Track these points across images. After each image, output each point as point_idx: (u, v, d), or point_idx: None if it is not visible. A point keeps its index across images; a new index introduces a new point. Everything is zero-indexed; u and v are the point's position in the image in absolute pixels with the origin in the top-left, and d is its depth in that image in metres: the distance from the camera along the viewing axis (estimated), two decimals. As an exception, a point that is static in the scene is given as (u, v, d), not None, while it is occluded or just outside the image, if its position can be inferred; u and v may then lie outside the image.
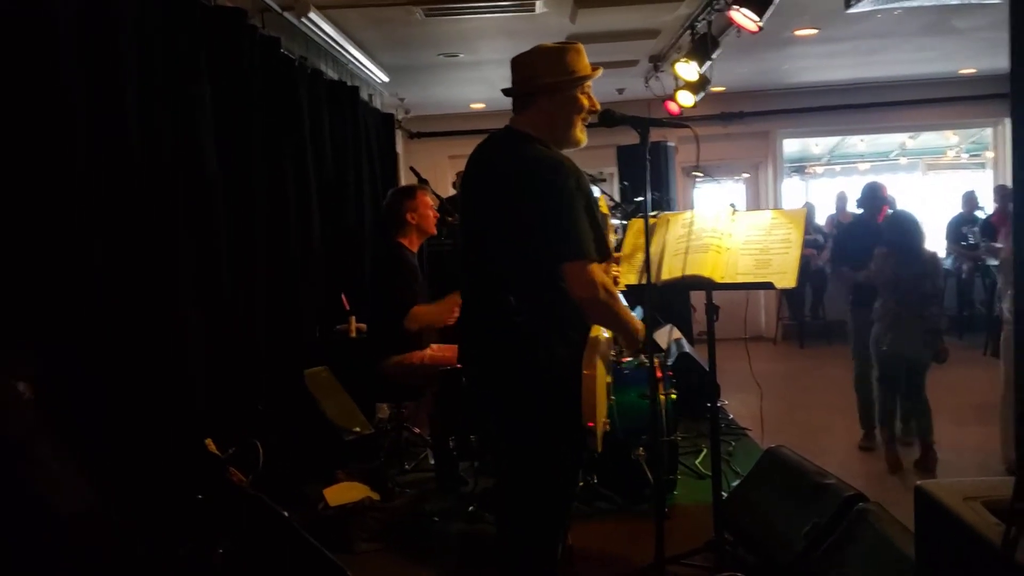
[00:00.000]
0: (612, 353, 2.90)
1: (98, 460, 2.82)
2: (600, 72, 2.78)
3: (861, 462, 5.49)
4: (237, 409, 4.01)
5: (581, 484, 4.45)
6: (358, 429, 4.55)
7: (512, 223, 2.58)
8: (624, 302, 2.84)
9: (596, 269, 2.54)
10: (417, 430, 5.71)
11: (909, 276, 5.17)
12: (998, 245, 5.73)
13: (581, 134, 2.76)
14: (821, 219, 10.67)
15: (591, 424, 2.52)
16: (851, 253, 5.83)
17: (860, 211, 6.34)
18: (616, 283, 2.92)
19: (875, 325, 5.37)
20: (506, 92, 2.81)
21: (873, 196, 6.09)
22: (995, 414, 5.54)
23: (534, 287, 2.55)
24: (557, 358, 2.55)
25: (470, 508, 4.44)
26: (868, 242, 5.54)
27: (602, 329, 2.69)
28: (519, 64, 2.75)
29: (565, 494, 2.77)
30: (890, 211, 5.80)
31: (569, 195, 2.51)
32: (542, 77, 2.68)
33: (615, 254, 3.08)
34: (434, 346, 4.99)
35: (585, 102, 2.73)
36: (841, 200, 10.38)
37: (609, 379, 2.79)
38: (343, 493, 4.15)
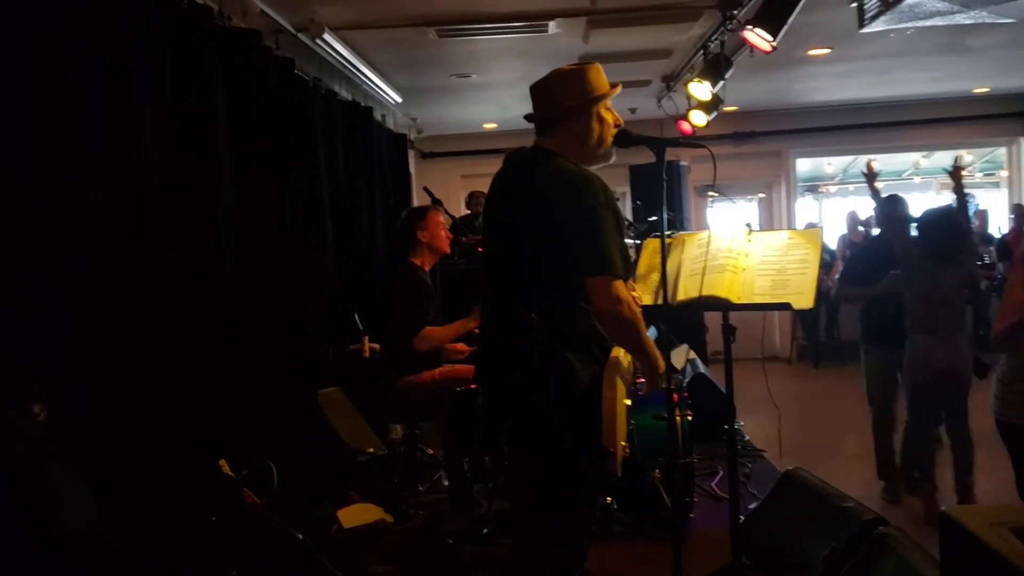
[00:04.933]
0: (632, 377, 2.85)
1: (111, 481, 2.80)
2: (620, 88, 2.81)
3: (880, 485, 5.42)
4: (250, 430, 4.00)
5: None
6: (371, 450, 4.53)
7: (538, 237, 2.58)
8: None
9: (622, 286, 2.52)
10: (431, 451, 5.68)
11: (948, 282, 4.70)
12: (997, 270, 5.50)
13: (610, 148, 2.80)
14: (831, 239, 10.61)
15: (612, 449, 2.48)
16: (865, 274, 5.38)
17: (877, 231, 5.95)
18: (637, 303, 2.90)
19: (908, 344, 4.85)
20: (529, 118, 2.82)
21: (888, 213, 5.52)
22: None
23: (557, 303, 2.54)
24: (578, 377, 2.52)
25: (484, 531, 4.40)
26: (884, 260, 5.15)
27: (622, 351, 2.67)
28: (541, 89, 2.77)
29: (584, 519, 2.72)
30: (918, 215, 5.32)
31: (598, 210, 2.51)
32: (568, 99, 2.70)
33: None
34: (447, 365, 4.98)
35: (610, 117, 2.77)
36: (852, 219, 10.34)
37: (628, 402, 2.76)
38: (356, 515, 4.12)
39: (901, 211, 5.27)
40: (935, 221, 4.88)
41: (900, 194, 5.47)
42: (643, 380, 2.79)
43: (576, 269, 2.50)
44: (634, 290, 2.96)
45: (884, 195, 5.42)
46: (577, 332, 2.55)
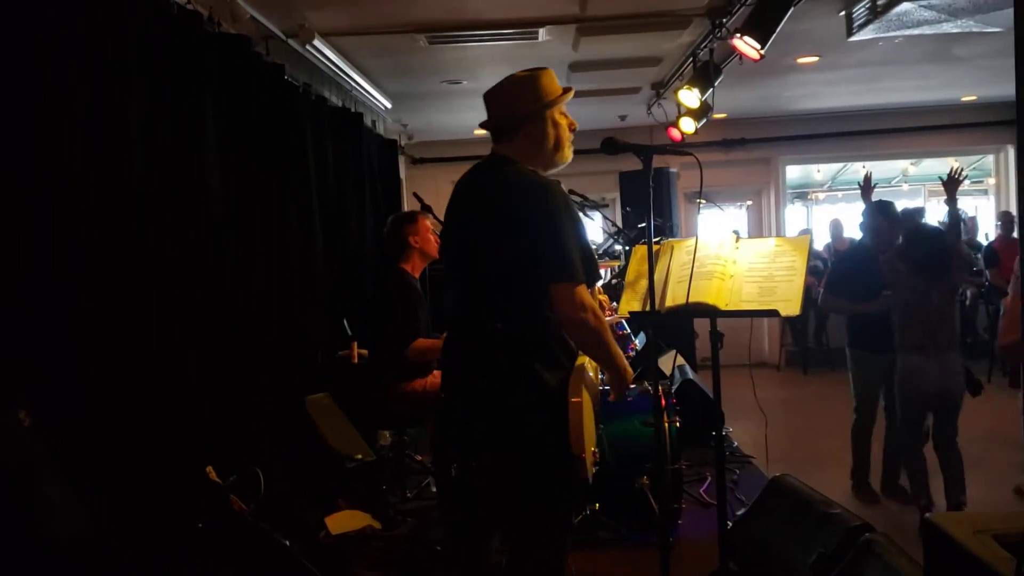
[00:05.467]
0: (599, 382, 2.87)
1: (98, 487, 2.79)
2: (573, 92, 2.82)
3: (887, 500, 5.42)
4: (238, 436, 3.99)
5: (582, 515, 4.42)
6: (359, 456, 4.52)
7: (499, 246, 2.58)
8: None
9: (586, 292, 2.53)
10: (419, 457, 5.67)
11: (937, 298, 4.68)
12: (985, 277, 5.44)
13: (569, 151, 2.81)
14: (819, 246, 10.65)
15: (580, 454, 2.49)
16: (850, 285, 5.32)
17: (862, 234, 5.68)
18: (605, 309, 2.92)
19: (899, 362, 4.83)
20: (484, 126, 2.84)
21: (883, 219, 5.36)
22: (1000, 442, 5.50)
23: (521, 312, 2.55)
24: (544, 385, 2.53)
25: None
26: (869, 269, 5.10)
27: (587, 359, 2.68)
28: (495, 97, 2.79)
29: (561, 525, 2.71)
30: (912, 228, 5.15)
31: (558, 216, 2.52)
32: (522, 106, 2.72)
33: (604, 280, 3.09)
34: (437, 372, 4.97)
35: (564, 122, 2.79)
36: (836, 227, 10.38)
37: (596, 408, 2.77)
38: (344, 521, 4.12)
39: (891, 219, 5.23)
40: (922, 237, 4.88)
41: (889, 200, 5.45)
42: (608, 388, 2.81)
43: (539, 276, 2.51)
44: (601, 294, 2.97)
45: (876, 201, 5.37)
46: (542, 340, 2.56)
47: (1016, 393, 5.53)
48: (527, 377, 2.52)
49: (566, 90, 2.79)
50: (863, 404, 5.32)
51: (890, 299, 4.96)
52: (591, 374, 2.71)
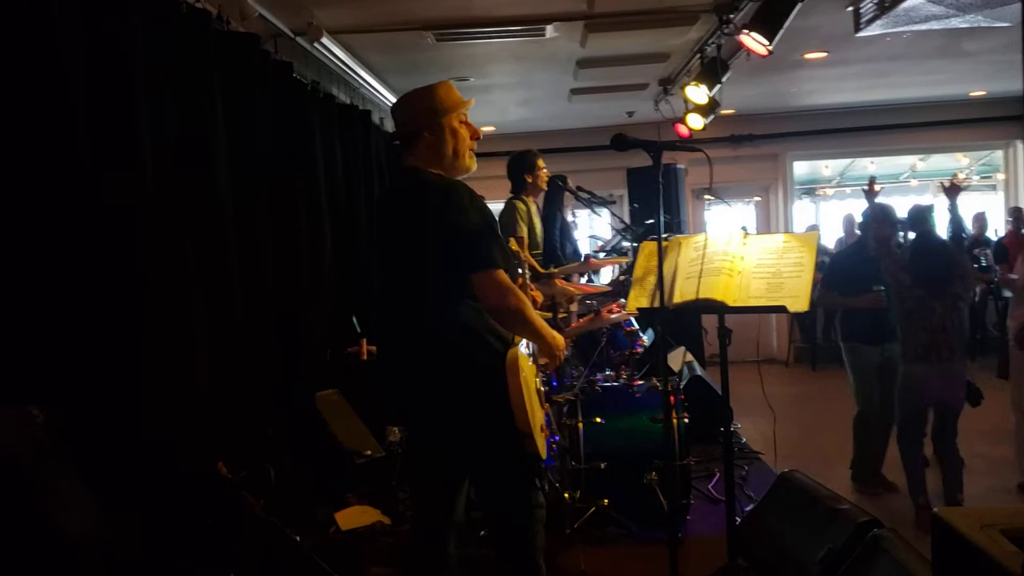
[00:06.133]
0: (534, 364, 2.97)
1: (109, 483, 2.81)
2: (472, 102, 2.92)
3: (884, 491, 5.43)
4: (248, 432, 4.01)
5: (593, 509, 4.43)
6: (369, 452, 4.53)
7: (416, 249, 2.70)
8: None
9: (504, 276, 2.64)
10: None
11: (940, 309, 4.72)
12: (1013, 276, 5.42)
13: (470, 161, 2.91)
14: (829, 242, 10.63)
15: (526, 431, 2.61)
16: (843, 280, 5.42)
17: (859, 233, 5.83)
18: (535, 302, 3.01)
19: (901, 369, 4.92)
20: (392, 137, 2.97)
21: (882, 221, 5.39)
22: (1003, 437, 5.49)
23: (448, 307, 2.65)
24: (480, 367, 2.64)
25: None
26: (863, 267, 5.26)
27: (524, 342, 2.83)
28: (397, 108, 2.95)
29: (522, 499, 2.79)
30: (914, 234, 5.19)
31: (466, 211, 2.63)
32: (419, 116, 2.83)
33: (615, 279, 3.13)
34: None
35: (465, 131, 2.88)
36: (848, 223, 10.35)
37: (540, 386, 2.90)
38: (354, 517, 4.13)
39: (891, 223, 5.27)
40: (926, 250, 4.89)
41: (890, 204, 5.48)
42: (545, 361, 2.96)
43: (457, 270, 2.61)
44: (535, 294, 3.06)
45: (876, 204, 5.37)
46: (470, 326, 2.66)
47: (1003, 384, 5.54)
48: (462, 365, 2.64)
49: (466, 101, 2.90)
50: (862, 395, 5.43)
51: (880, 295, 5.10)
52: (525, 352, 2.82)
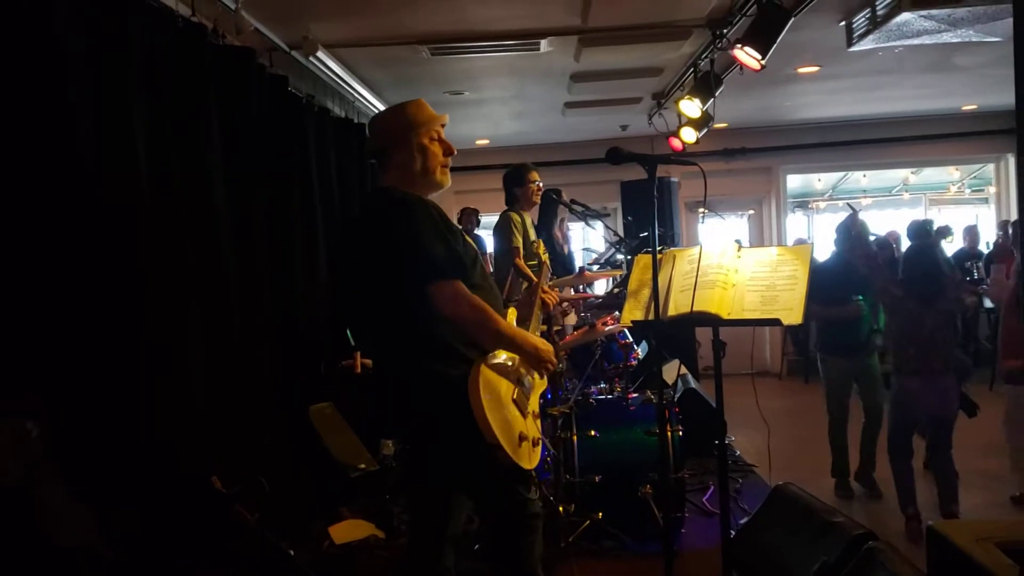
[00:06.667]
0: (519, 369, 2.88)
1: (105, 497, 2.80)
2: (445, 118, 2.92)
3: (868, 500, 5.44)
4: (243, 445, 4.00)
5: (587, 522, 4.42)
6: (363, 465, 4.53)
7: (377, 264, 2.70)
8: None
9: (459, 286, 2.61)
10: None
11: (931, 323, 4.72)
12: (985, 286, 5.47)
13: (442, 176, 2.89)
14: (822, 255, 10.64)
15: (494, 443, 2.54)
16: (823, 291, 5.31)
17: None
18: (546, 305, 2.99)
19: (892, 381, 4.97)
20: (368, 156, 2.97)
21: (848, 232, 5.65)
22: (997, 451, 5.50)
23: (410, 315, 2.64)
24: (443, 376, 2.61)
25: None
26: (842, 280, 5.40)
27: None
28: (370, 128, 2.96)
29: (511, 509, 2.77)
30: (909, 246, 5.36)
31: (415, 224, 2.62)
32: (388, 133, 2.85)
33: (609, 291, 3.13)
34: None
35: (436, 148, 2.86)
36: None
37: (517, 392, 2.79)
38: (348, 531, 4.12)
39: (863, 236, 5.49)
40: (917, 263, 4.91)
41: (861, 216, 5.67)
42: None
43: (414, 282, 2.60)
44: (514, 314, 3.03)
45: (847, 215, 5.66)
46: (434, 337, 2.64)
47: (996, 397, 5.58)
48: (427, 376, 2.63)
49: (438, 117, 2.89)
50: (833, 405, 5.62)
51: (858, 306, 5.25)
52: (504, 360, 2.76)
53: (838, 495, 5.51)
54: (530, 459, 2.72)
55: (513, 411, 2.72)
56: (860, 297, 5.36)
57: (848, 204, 5.51)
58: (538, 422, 2.94)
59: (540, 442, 2.90)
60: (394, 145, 2.82)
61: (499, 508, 2.77)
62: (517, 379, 2.80)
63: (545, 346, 2.79)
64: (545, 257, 3.48)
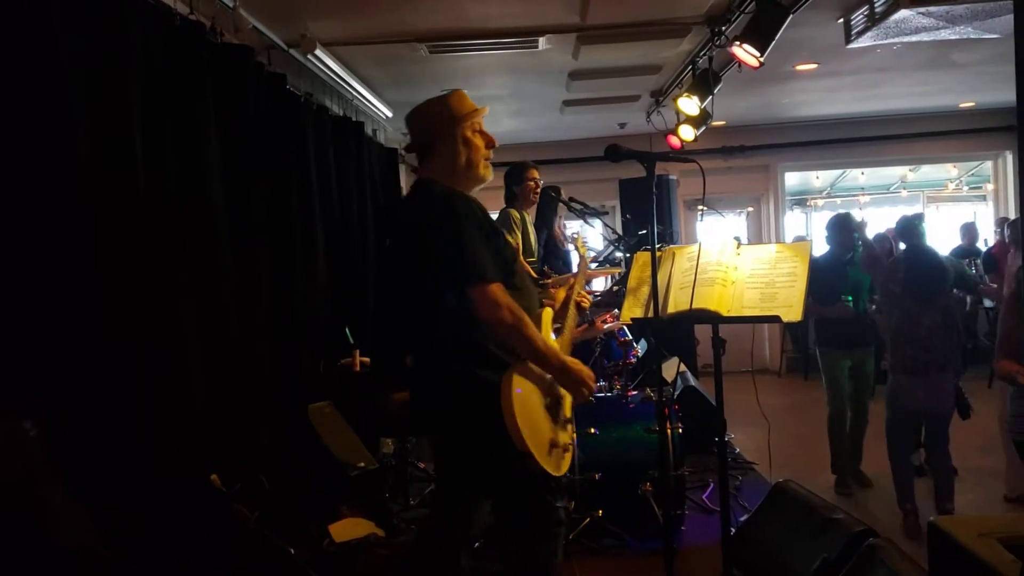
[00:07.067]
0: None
1: (103, 496, 2.80)
2: (486, 110, 2.89)
3: (868, 497, 5.45)
4: (242, 444, 3.99)
5: (587, 520, 4.42)
6: (362, 464, 4.52)
7: (418, 261, 2.68)
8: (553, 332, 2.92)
9: (500, 291, 2.57)
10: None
11: (929, 321, 4.74)
12: (993, 285, 5.51)
13: (485, 170, 2.86)
14: (820, 252, 10.65)
15: (524, 450, 2.49)
16: (815, 287, 5.31)
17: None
18: (552, 311, 2.96)
19: (889, 378, 5.01)
20: (408, 149, 2.94)
21: (842, 229, 5.78)
22: (995, 449, 5.51)
23: (448, 318, 2.61)
24: (480, 381, 2.57)
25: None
26: (836, 276, 5.52)
27: None
28: (410, 120, 2.91)
29: (535, 517, 2.74)
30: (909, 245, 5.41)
31: (459, 222, 2.59)
32: (431, 126, 2.81)
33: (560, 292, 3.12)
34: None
35: (479, 140, 2.84)
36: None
37: (548, 400, 2.73)
38: (348, 529, 4.12)
39: (850, 232, 5.69)
40: (918, 261, 4.93)
41: (848, 213, 5.91)
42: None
43: (455, 283, 2.57)
44: (548, 301, 3.00)
45: (835, 215, 5.88)
46: (473, 341, 2.61)
47: (995, 394, 5.60)
48: (463, 380, 2.59)
49: (479, 109, 2.86)
50: (833, 396, 5.67)
51: (847, 306, 5.38)
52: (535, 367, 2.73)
53: (838, 492, 5.52)
54: (559, 466, 2.67)
55: (545, 418, 2.68)
56: (848, 297, 5.45)
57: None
58: (571, 427, 2.88)
59: (572, 448, 2.84)
60: (437, 138, 2.78)
61: (524, 514, 2.72)
62: (550, 386, 2.76)
63: (577, 367, 2.70)
64: (583, 250, 3.44)
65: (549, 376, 2.71)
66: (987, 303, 8.55)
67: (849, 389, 5.65)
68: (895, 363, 4.91)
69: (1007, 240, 8.95)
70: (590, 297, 3.33)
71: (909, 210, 12.62)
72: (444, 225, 2.59)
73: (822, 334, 5.74)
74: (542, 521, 2.73)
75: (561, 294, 3.18)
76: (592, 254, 7.69)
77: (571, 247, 6.93)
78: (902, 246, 5.31)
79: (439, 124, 2.78)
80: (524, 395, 2.57)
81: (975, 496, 5.30)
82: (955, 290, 5.35)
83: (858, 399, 5.67)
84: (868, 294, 5.69)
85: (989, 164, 11.45)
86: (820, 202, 13.05)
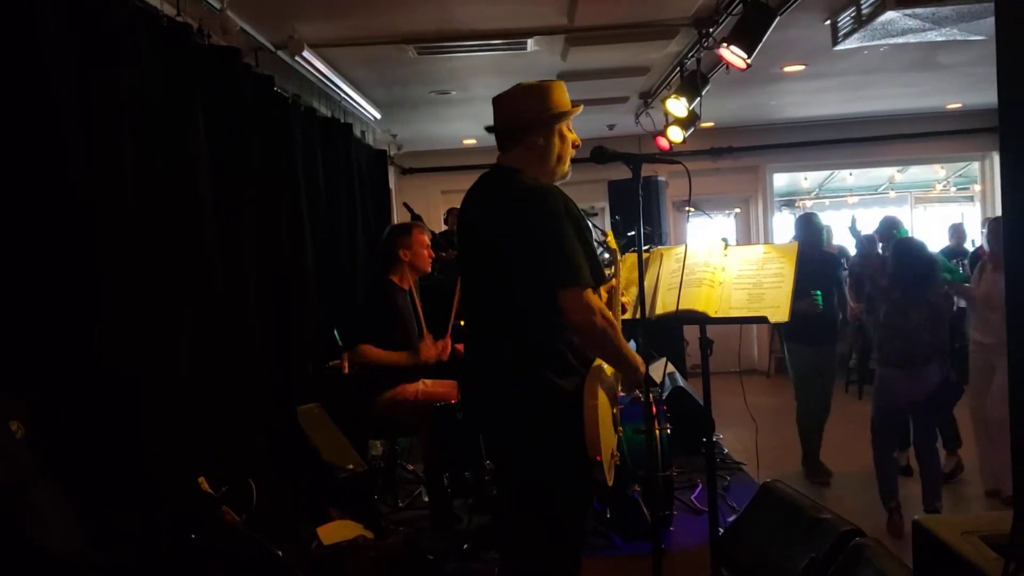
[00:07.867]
0: (617, 384, 2.87)
1: (90, 499, 2.79)
2: (581, 108, 2.84)
3: (856, 496, 5.47)
4: (230, 446, 3.98)
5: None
6: (351, 466, 4.51)
7: (506, 258, 2.60)
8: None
9: (592, 296, 2.54)
10: (411, 467, 5.67)
11: (917, 315, 4.75)
12: (967, 284, 5.57)
13: (568, 167, 2.83)
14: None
15: (597, 457, 2.49)
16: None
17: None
18: (624, 310, 2.94)
19: (876, 374, 5.05)
20: (490, 129, 2.85)
21: (807, 225, 6.10)
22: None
23: (532, 321, 2.56)
24: (557, 389, 2.53)
25: (465, 546, 4.40)
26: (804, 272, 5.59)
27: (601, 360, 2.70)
28: (503, 102, 2.80)
29: (576, 533, 2.72)
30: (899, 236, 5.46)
31: (559, 223, 2.53)
32: (529, 114, 2.73)
33: (612, 283, 3.09)
34: (427, 381, 4.98)
35: (570, 137, 2.81)
36: (827, 233, 10.43)
37: (615, 410, 2.78)
38: (337, 531, 4.11)
39: (816, 230, 5.96)
40: (905, 254, 4.94)
41: (814, 212, 6.24)
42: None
43: (546, 284, 2.51)
44: (614, 287, 2.98)
45: (802, 213, 6.20)
46: (554, 347, 2.56)
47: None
48: (542, 386, 2.54)
49: (575, 105, 2.81)
50: (801, 392, 5.91)
51: (814, 302, 5.42)
52: (608, 375, 2.72)
53: (811, 481, 5.71)
54: (612, 475, 2.66)
55: (609, 425, 2.68)
56: (818, 292, 5.53)
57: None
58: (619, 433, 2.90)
59: (618, 456, 2.85)
60: (535, 127, 2.72)
61: (567, 522, 2.68)
62: (615, 396, 2.77)
63: (644, 366, 2.74)
64: (615, 245, 3.44)
65: (615, 386, 2.74)
66: (961, 303, 8.59)
67: (815, 384, 5.84)
68: (883, 357, 4.92)
69: (984, 243, 9.02)
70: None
71: (897, 211, 12.72)
72: (542, 223, 2.52)
73: (788, 329, 5.82)
74: (580, 529, 2.73)
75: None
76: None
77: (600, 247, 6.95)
78: (880, 248, 5.40)
79: (539, 114, 2.71)
80: (600, 403, 2.56)
81: (959, 492, 5.34)
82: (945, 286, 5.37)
83: (823, 393, 5.88)
84: (839, 289, 5.89)
85: (976, 165, 11.52)
86: (808, 203, 13.11)
